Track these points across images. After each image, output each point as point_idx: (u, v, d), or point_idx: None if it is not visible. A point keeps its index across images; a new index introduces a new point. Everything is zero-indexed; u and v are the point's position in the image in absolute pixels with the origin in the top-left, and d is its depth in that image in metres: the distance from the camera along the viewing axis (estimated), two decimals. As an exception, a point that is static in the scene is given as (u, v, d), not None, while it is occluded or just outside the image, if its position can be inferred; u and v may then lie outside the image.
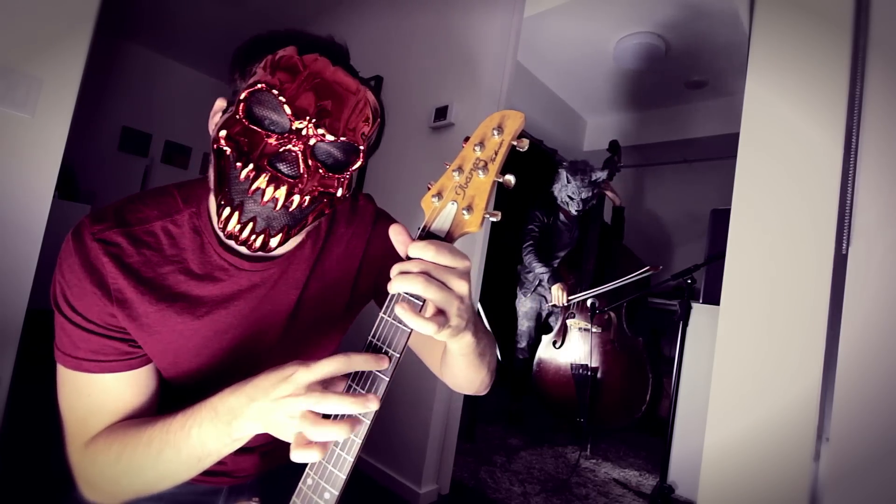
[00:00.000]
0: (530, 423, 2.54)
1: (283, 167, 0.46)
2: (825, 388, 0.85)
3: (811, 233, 0.92)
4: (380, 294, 0.64)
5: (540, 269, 2.44)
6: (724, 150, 2.67)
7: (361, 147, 0.50)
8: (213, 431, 0.43)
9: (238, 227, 0.46)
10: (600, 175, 2.45)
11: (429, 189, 0.44)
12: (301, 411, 0.39)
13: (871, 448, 0.81)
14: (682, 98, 3.08)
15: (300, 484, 0.43)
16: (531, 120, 3.18)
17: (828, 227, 0.90)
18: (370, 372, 0.41)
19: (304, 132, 0.46)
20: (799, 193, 0.95)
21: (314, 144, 0.48)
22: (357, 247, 0.63)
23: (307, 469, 0.43)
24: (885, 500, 0.79)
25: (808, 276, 0.91)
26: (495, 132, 0.42)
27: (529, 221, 2.56)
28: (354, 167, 0.51)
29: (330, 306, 0.62)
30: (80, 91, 1.17)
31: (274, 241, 0.48)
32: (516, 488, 1.73)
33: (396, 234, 0.42)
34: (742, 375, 0.97)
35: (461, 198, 0.42)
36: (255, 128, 0.46)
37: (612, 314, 2.19)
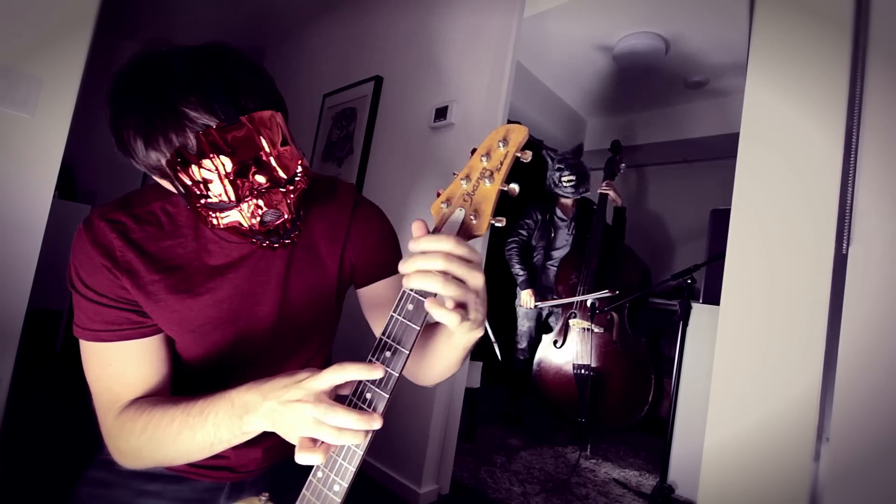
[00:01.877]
0: (530, 423, 2.54)
1: (269, 217, 0.51)
2: (825, 388, 0.85)
3: (811, 233, 0.92)
4: (361, 278, 0.69)
5: (517, 269, 2.48)
6: (724, 150, 2.67)
7: (299, 157, 0.52)
8: (227, 422, 0.46)
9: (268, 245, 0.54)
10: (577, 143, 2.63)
11: (438, 196, 0.47)
12: (309, 417, 0.41)
13: (871, 448, 0.81)
14: (682, 98, 3.08)
15: (310, 477, 0.45)
16: (531, 120, 3.18)
17: (828, 227, 0.89)
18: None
19: (261, 202, 0.49)
20: (799, 193, 0.95)
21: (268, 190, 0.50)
22: (341, 224, 0.66)
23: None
24: (885, 500, 0.79)
25: (808, 276, 0.91)
26: (501, 144, 0.45)
27: (523, 217, 2.56)
28: (301, 161, 0.53)
29: (319, 278, 0.65)
30: (80, 91, 1.17)
31: (292, 234, 0.56)
32: (516, 488, 1.73)
33: (417, 230, 0.44)
34: (742, 375, 0.97)
35: (468, 204, 0.45)
36: (228, 219, 0.50)
37: (615, 314, 2.19)
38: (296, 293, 0.63)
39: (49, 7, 1.11)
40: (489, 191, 0.44)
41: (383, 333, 0.45)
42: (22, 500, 1.26)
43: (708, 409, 1.00)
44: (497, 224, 0.45)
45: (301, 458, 0.42)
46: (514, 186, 0.45)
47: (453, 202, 0.45)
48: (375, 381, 0.44)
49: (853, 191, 0.87)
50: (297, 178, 0.52)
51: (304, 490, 0.45)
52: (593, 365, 2.15)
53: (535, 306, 2.44)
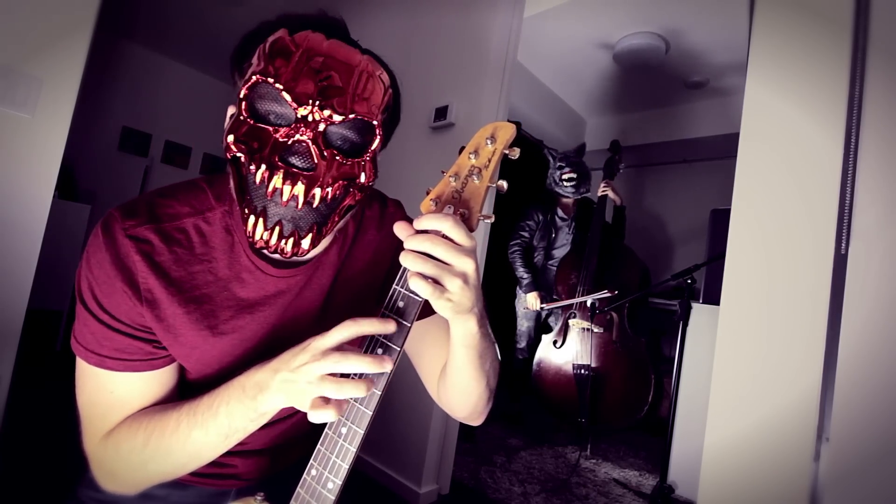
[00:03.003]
0: (530, 423, 2.54)
1: (295, 160, 0.44)
2: (825, 388, 0.85)
3: (811, 233, 0.92)
4: None
5: (521, 272, 2.48)
6: (724, 150, 2.67)
7: (375, 122, 0.48)
8: (240, 407, 0.44)
9: (266, 233, 0.45)
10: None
11: (427, 194, 0.46)
12: (319, 375, 0.40)
13: (871, 448, 0.81)
14: (682, 98, 3.08)
15: (304, 475, 0.45)
16: (531, 120, 3.18)
17: (828, 227, 0.89)
18: (382, 342, 0.44)
19: (309, 118, 0.44)
20: (799, 193, 0.95)
21: (324, 130, 0.45)
22: (385, 254, 0.61)
23: (311, 460, 0.45)
24: (885, 500, 0.79)
25: (807, 276, 0.91)
26: (488, 141, 0.45)
27: (524, 219, 2.56)
28: (373, 147, 0.49)
29: (355, 312, 0.60)
30: (80, 91, 1.17)
31: (305, 243, 0.46)
32: (516, 488, 1.73)
33: (402, 229, 0.43)
34: (742, 375, 0.97)
35: (458, 202, 0.45)
36: (261, 125, 0.44)
37: (614, 314, 2.19)
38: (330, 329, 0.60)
39: (49, 7, 1.11)
40: (478, 188, 0.45)
41: (384, 307, 0.44)
42: (22, 500, 1.26)
43: (708, 409, 1.00)
44: (487, 221, 0.45)
45: (314, 416, 0.40)
46: (503, 183, 0.45)
47: (442, 199, 0.45)
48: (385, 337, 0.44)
49: (853, 191, 0.87)
50: (361, 157, 0.48)
51: (298, 488, 0.45)
52: (593, 365, 2.15)
53: (542, 308, 2.42)
